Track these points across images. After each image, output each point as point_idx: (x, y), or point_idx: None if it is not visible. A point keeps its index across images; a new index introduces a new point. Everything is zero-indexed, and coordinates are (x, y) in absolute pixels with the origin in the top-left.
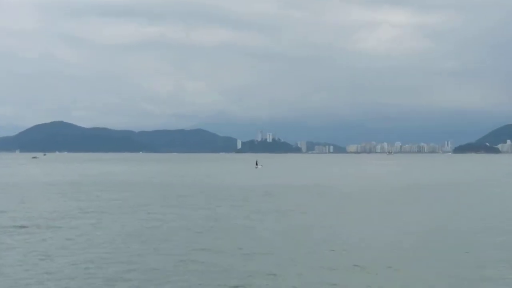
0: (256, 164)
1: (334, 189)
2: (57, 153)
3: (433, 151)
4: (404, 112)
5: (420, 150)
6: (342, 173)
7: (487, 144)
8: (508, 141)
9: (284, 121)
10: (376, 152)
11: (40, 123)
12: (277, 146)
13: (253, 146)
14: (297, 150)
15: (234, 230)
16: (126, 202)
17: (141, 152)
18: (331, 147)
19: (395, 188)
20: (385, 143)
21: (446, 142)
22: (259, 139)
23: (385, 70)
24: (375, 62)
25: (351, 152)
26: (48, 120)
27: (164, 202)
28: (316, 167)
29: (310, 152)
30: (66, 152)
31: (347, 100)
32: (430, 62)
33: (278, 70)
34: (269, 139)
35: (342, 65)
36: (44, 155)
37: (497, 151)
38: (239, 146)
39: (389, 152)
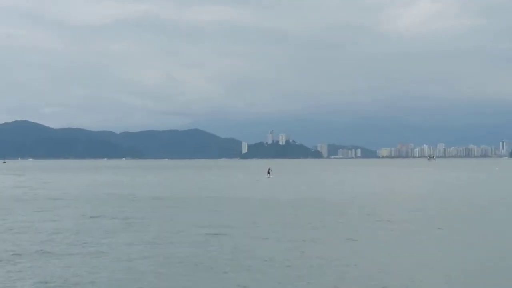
0: (268, 172)
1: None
2: (19, 160)
3: (484, 154)
4: (448, 107)
5: (468, 154)
6: (367, 185)
7: None
8: None
9: (301, 119)
10: (414, 157)
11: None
12: (292, 150)
13: (262, 150)
14: (317, 154)
15: None
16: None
17: (124, 159)
18: (359, 151)
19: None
20: (425, 145)
21: (501, 143)
22: (270, 142)
23: (423, 56)
24: (410, 45)
25: (383, 157)
26: (9, 120)
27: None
28: (335, 177)
29: (332, 157)
30: (31, 159)
31: (377, 93)
32: (480, 44)
33: (291, 57)
34: (282, 142)
35: (369, 50)
36: (4, 162)
37: None
38: (244, 150)
39: (431, 157)
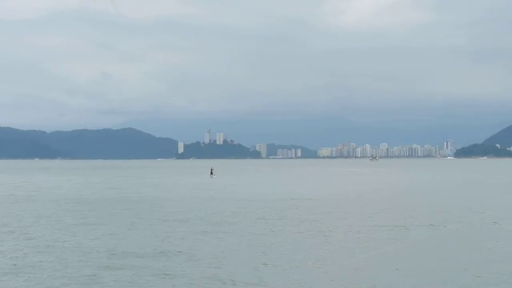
0: (211, 173)
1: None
2: None
3: (428, 154)
4: (392, 106)
5: (412, 154)
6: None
7: (498, 145)
8: None
9: (239, 118)
10: (356, 157)
11: None
12: (230, 150)
13: (198, 150)
14: (255, 154)
15: None
16: None
17: (58, 159)
18: (299, 151)
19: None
20: (367, 145)
21: (445, 143)
22: (207, 141)
23: (368, 52)
24: (355, 41)
25: (324, 157)
26: None
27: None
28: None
29: (271, 156)
30: None
31: (319, 91)
32: (428, 40)
33: (232, 52)
34: (220, 141)
35: (313, 46)
36: None
37: (510, 154)
38: (181, 150)
39: (373, 157)
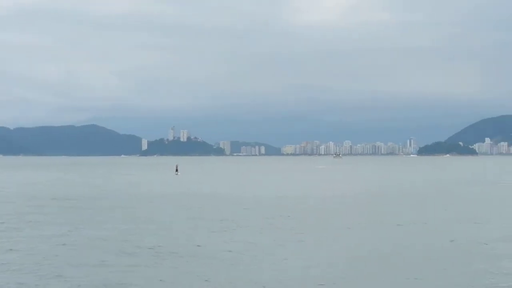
0: (177, 170)
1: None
2: None
3: (392, 152)
4: (355, 104)
5: (375, 152)
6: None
7: (461, 143)
8: (487, 140)
9: (203, 115)
10: (319, 154)
11: None
12: (194, 147)
13: (162, 147)
14: (219, 151)
15: None
16: None
17: (21, 155)
18: (263, 148)
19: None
20: (331, 142)
21: (408, 141)
22: (171, 138)
23: (332, 50)
24: (318, 38)
25: (287, 154)
26: None
27: None
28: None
29: (235, 154)
30: None
31: (283, 88)
32: (391, 39)
33: (194, 49)
34: (183, 138)
35: (276, 43)
36: None
37: (473, 152)
38: (144, 146)
39: (337, 154)
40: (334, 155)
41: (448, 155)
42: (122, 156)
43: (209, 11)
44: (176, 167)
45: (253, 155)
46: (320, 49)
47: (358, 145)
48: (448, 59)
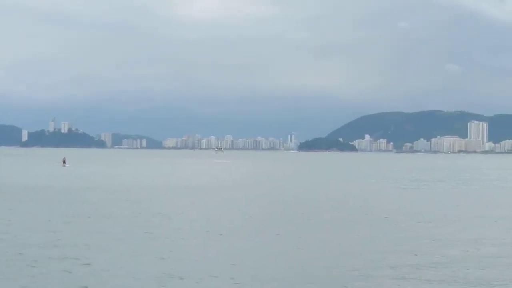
0: (64, 162)
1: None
2: None
3: (272, 147)
4: (237, 97)
5: (256, 146)
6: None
7: (341, 140)
8: (367, 136)
9: (84, 106)
10: (201, 148)
11: None
12: (75, 139)
13: (43, 138)
14: (101, 144)
15: None
16: None
17: None
18: (144, 141)
19: None
20: (212, 136)
21: (289, 136)
22: (52, 130)
23: (214, 43)
24: (200, 32)
25: (169, 148)
26: None
27: None
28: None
29: (116, 146)
30: None
31: (167, 81)
32: (272, 32)
33: (76, 39)
34: (64, 130)
35: (160, 36)
36: None
37: (352, 148)
38: (24, 138)
39: (218, 148)
40: (216, 149)
41: (327, 151)
42: (2, 147)
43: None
44: (64, 159)
45: (134, 148)
46: (201, 40)
47: (240, 139)
48: (323, 55)
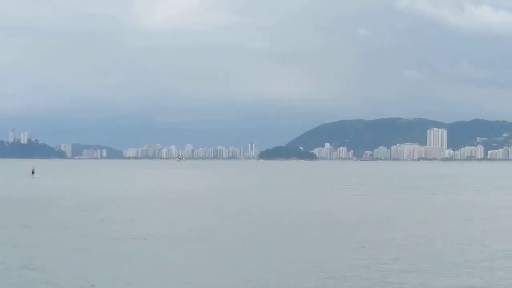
0: (33, 172)
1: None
2: None
3: (233, 156)
4: (197, 106)
5: (217, 155)
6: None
7: (301, 148)
8: (327, 144)
9: (44, 116)
10: (161, 158)
11: None
12: (35, 150)
13: (2, 150)
14: (61, 154)
15: None
16: None
17: None
18: (104, 151)
19: None
20: (173, 146)
21: (249, 145)
22: (11, 141)
23: (176, 52)
24: (162, 40)
25: (129, 158)
26: None
27: None
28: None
29: (76, 157)
30: None
31: (128, 90)
32: (233, 41)
33: (36, 48)
34: (24, 141)
35: (122, 44)
36: None
37: (313, 156)
38: None
39: (180, 158)
40: (178, 159)
41: (289, 160)
42: None
43: (50, 11)
44: (33, 169)
45: (94, 158)
46: (162, 49)
47: (200, 148)
48: (284, 63)
